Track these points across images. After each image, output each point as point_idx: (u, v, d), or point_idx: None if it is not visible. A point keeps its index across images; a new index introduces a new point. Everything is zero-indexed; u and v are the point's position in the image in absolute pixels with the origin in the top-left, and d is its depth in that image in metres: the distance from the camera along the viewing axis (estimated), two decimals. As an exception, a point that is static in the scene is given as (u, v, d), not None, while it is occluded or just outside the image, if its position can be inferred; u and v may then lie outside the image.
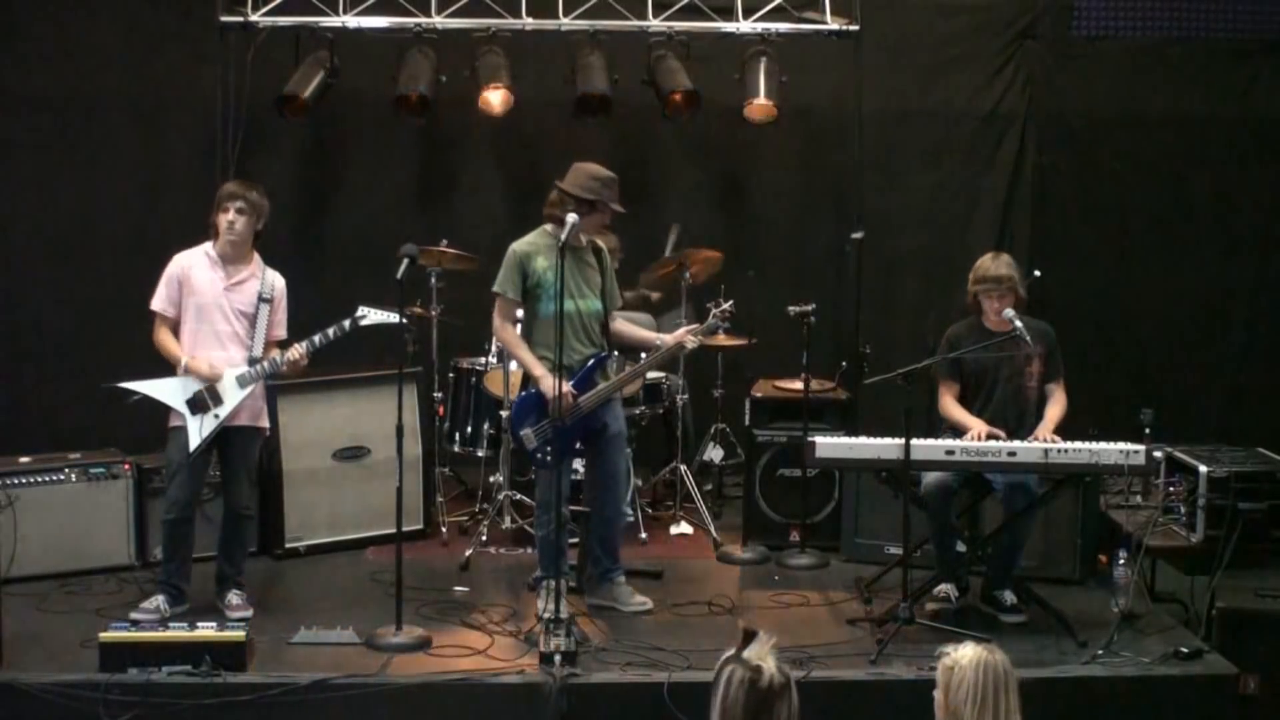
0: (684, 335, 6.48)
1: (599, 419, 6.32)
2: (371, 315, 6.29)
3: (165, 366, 6.21)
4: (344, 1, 8.13)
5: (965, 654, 3.72)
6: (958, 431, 6.29)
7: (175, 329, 6.19)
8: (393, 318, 6.30)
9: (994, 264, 6.36)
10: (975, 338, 6.37)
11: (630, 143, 8.81)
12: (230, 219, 6.16)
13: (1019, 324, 6.22)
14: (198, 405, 6.11)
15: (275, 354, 6.25)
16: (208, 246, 6.23)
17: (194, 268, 6.18)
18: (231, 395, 6.14)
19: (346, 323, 6.26)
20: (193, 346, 6.16)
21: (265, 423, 6.42)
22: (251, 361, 6.20)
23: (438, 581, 6.74)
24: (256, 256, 6.29)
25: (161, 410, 6.17)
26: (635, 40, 8.31)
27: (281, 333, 6.34)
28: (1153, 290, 9.07)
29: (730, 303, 6.59)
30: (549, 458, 6.20)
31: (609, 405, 6.36)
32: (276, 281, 6.33)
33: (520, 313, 6.48)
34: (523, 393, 6.35)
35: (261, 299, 6.24)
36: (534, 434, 6.21)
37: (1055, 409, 6.36)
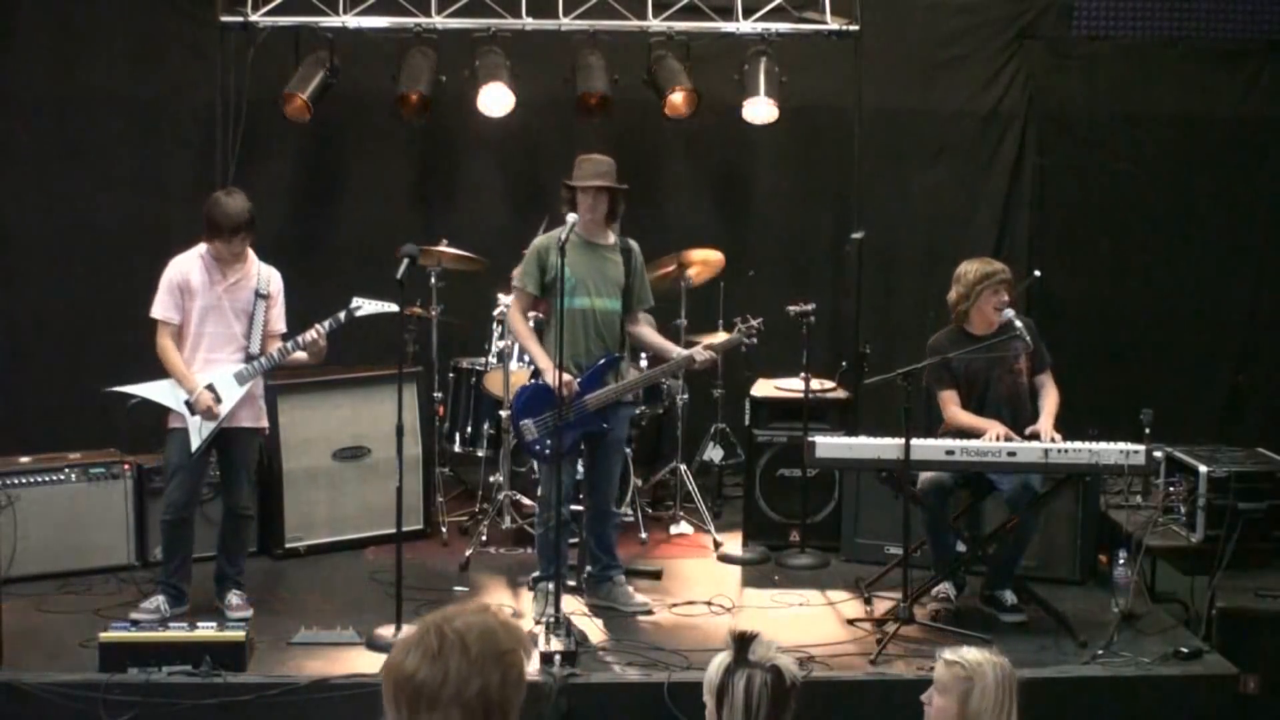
0: (699, 350, 6.44)
1: (602, 420, 6.31)
2: (366, 306, 6.29)
3: (164, 369, 6.19)
4: (344, 1, 8.13)
5: (979, 661, 3.72)
6: (964, 436, 6.28)
7: (177, 336, 6.17)
8: (389, 307, 6.31)
9: (987, 262, 6.41)
10: (961, 344, 6.36)
11: (630, 143, 8.80)
12: (237, 251, 6.14)
13: (1019, 323, 6.23)
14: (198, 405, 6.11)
15: (274, 348, 6.24)
16: (202, 249, 6.20)
17: (192, 272, 6.16)
18: (230, 393, 6.14)
19: (342, 315, 6.26)
20: (194, 349, 6.15)
21: (265, 423, 6.42)
22: (249, 358, 6.20)
23: (438, 581, 6.74)
24: (250, 254, 6.27)
25: (160, 410, 6.17)
26: (635, 40, 8.31)
27: (281, 326, 6.33)
28: (1153, 290, 9.06)
29: (759, 320, 6.54)
30: (546, 450, 6.19)
31: (614, 409, 6.34)
32: (273, 277, 6.32)
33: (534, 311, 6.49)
34: (529, 382, 6.34)
35: (258, 294, 6.23)
36: (534, 425, 6.21)
37: (1051, 401, 6.37)
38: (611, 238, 6.36)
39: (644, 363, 7.14)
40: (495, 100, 8.16)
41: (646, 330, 6.58)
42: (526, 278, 6.30)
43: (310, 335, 6.19)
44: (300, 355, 6.25)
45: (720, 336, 7.38)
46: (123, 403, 6.16)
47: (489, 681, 2.41)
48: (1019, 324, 6.24)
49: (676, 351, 6.54)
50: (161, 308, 6.15)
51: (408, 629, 2.49)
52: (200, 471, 6.26)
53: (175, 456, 6.16)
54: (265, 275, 6.28)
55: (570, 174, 6.36)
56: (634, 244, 6.45)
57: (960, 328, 6.42)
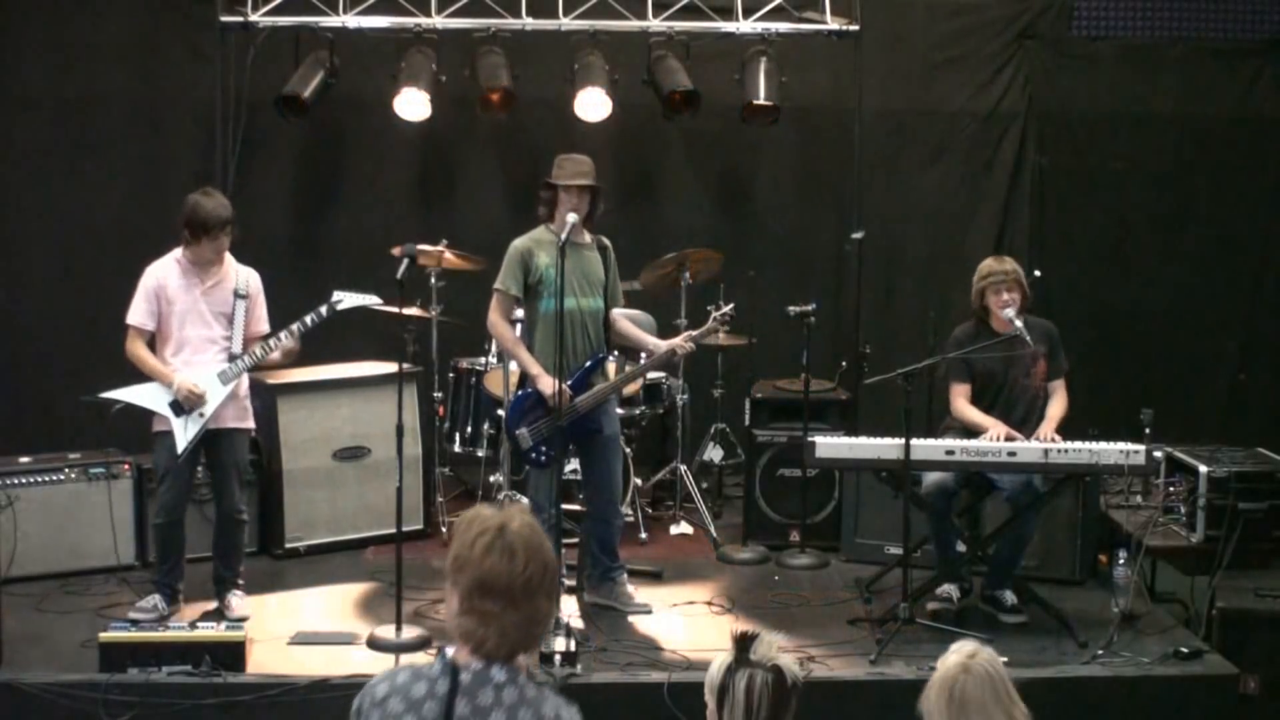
0: (679, 341, 6.47)
1: (594, 421, 6.31)
2: (348, 299, 6.29)
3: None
4: (344, 1, 8.13)
5: (946, 665, 3.65)
6: (965, 431, 6.29)
7: (151, 341, 6.17)
8: (370, 299, 6.31)
9: (998, 261, 6.43)
10: (980, 339, 6.38)
11: (630, 143, 8.81)
12: (220, 245, 6.13)
13: (1019, 324, 6.24)
14: (182, 407, 6.10)
15: (256, 347, 6.22)
16: (178, 254, 6.19)
17: (169, 277, 6.15)
18: (214, 394, 6.12)
19: (323, 309, 6.24)
20: (175, 353, 6.14)
21: (251, 423, 6.40)
22: (231, 358, 6.20)
23: (438, 581, 6.73)
24: (227, 256, 6.25)
25: (148, 414, 6.16)
26: (635, 40, 8.31)
27: (264, 327, 6.32)
28: (1153, 290, 9.06)
29: (730, 306, 6.58)
30: (543, 458, 6.19)
31: (603, 407, 6.36)
32: (251, 278, 6.30)
33: (520, 312, 6.49)
34: (518, 391, 6.35)
35: (237, 295, 6.21)
36: (529, 433, 6.21)
37: (1056, 407, 6.37)
38: (588, 237, 6.36)
39: (643, 359, 7.13)
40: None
41: (625, 325, 6.56)
42: (509, 280, 6.28)
43: (286, 344, 6.18)
44: (275, 356, 6.24)
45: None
46: (109, 407, 6.16)
47: (555, 562, 2.94)
48: (1019, 325, 6.23)
49: (654, 344, 6.55)
50: (137, 314, 6.14)
51: (480, 538, 2.86)
52: (189, 473, 6.24)
53: (163, 460, 6.15)
54: (244, 276, 6.27)
55: (550, 174, 6.35)
56: (607, 242, 6.45)
57: (983, 321, 6.44)
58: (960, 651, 3.64)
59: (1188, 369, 9.06)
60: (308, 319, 6.22)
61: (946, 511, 6.29)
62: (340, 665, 5.63)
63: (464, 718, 2.84)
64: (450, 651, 2.93)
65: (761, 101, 8.25)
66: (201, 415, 6.11)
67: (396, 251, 6.50)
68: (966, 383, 6.41)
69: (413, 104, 8.15)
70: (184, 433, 6.08)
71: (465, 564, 2.87)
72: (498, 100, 8.22)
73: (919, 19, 8.94)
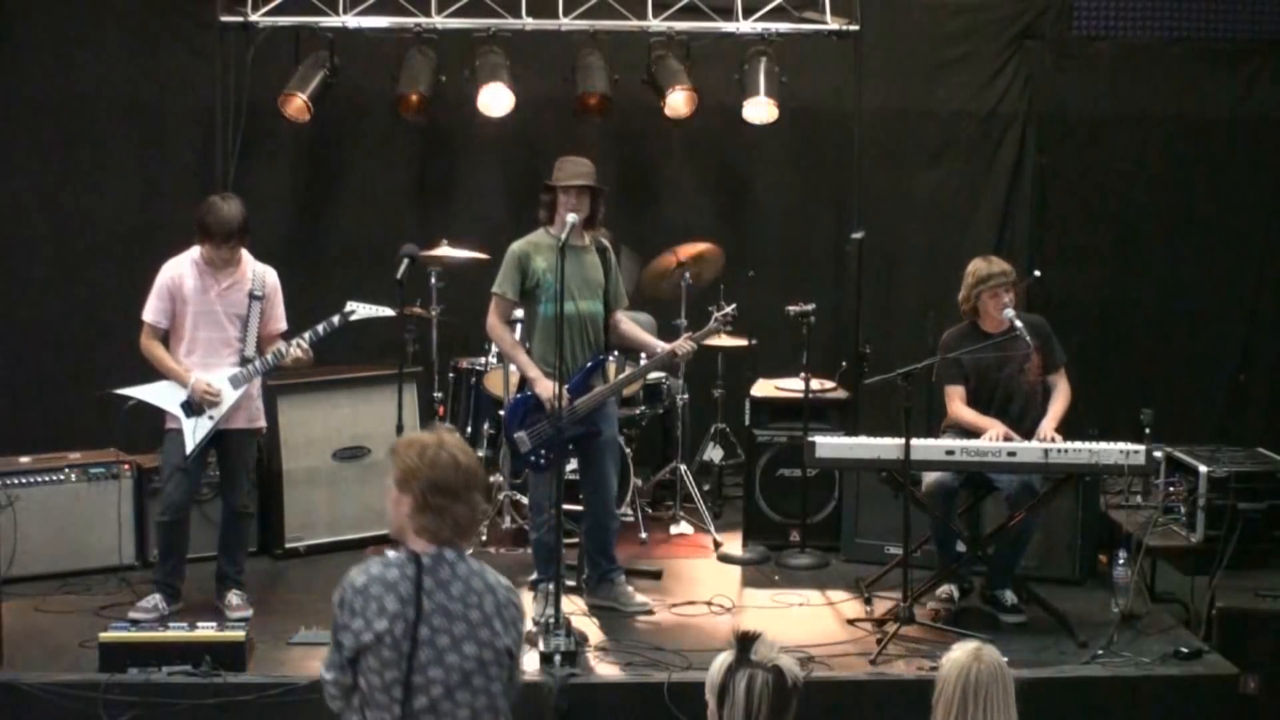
0: (680, 342, 6.45)
1: (593, 423, 6.30)
2: (361, 310, 6.29)
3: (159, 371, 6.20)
4: (344, 1, 8.13)
5: (952, 659, 3.67)
6: (965, 433, 6.29)
7: (164, 339, 6.17)
8: (383, 311, 6.31)
9: (990, 263, 6.40)
10: (972, 341, 6.37)
11: (630, 143, 8.81)
12: (227, 256, 6.12)
13: (1019, 324, 6.23)
14: (193, 407, 6.10)
15: (269, 352, 6.22)
16: (195, 253, 6.18)
17: (185, 277, 6.14)
18: (226, 396, 6.13)
19: (336, 318, 6.25)
20: (188, 354, 6.15)
21: (261, 423, 6.42)
22: (244, 361, 6.19)
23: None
24: (244, 254, 6.25)
25: (158, 410, 6.17)
26: (635, 40, 8.32)
27: (282, 326, 6.32)
28: (1153, 290, 9.06)
29: (732, 306, 6.57)
30: (541, 461, 6.19)
31: (603, 410, 6.34)
32: (267, 277, 6.29)
33: (520, 313, 6.49)
34: (517, 395, 6.34)
35: (253, 296, 6.21)
36: (529, 436, 6.21)
37: (1059, 403, 6.36)
38: (587, 239, 6.35)
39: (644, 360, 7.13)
40: (495, 100, 8.17)
41: (628, 327, 6.54)
42: (506, 284, 6.27)
43: (296, 353, 6.17)
44: (286, 362, 6.24)
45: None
46: (122, 403, 6.16)
47: (481, 466, 3.71)
48: (1019, 325, 6.23)
49: (655, 345, 6.55)
50: (152, 312, 6.14)
51: (424, 451, 3.59)
52: (196, 473, 6.25)
53: (172, 458, 6.16)
54: (259, 276, 6.26)
55: (550, 176, 6.35)
56: (607, 243, 6.43)
57: (973, 324, 6.43)
58: (964, 648, 3.66)
59: (1188, 369, 9.05)
60: (320, 328, 6.22)
61: (947, 511, 6.29)
62: (340, 665, 5.61)
63: (430, 589, 3.56)
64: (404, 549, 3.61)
65: (762, 100, 8.24)
66: (211, 418, 6.11)
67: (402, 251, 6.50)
68: (961, 384, 6.40)
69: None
70: (193, 434, 6.09)
71: (416, 473, 3.56)
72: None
73: (919, 19, 8.94)
